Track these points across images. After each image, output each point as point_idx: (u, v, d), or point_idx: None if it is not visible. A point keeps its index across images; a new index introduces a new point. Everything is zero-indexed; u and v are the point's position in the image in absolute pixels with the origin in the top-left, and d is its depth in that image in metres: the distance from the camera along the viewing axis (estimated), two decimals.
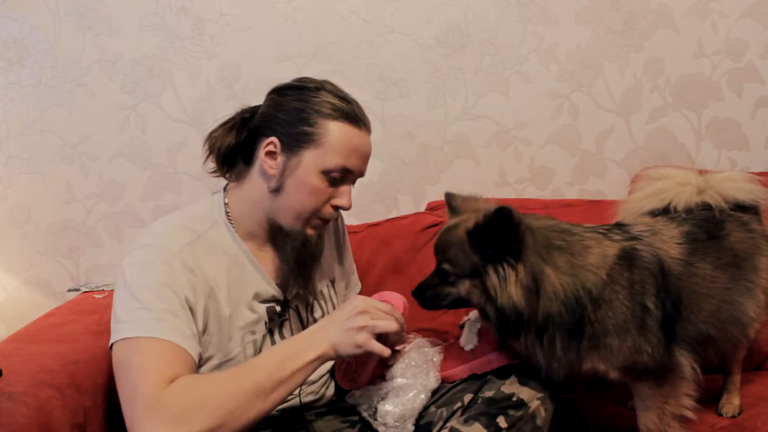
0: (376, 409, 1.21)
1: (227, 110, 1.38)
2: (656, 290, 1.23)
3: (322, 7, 1.98)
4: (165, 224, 1.24)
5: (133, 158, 2.00)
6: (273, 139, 1.21)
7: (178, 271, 1.14)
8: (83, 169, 1.99)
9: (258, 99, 1.41)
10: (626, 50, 2.02)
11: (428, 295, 1.26)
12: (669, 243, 1.29)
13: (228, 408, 1.03)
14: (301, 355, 1.10)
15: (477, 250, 1.18)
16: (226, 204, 1.27)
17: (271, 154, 1.22)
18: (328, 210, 1.24)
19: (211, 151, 1.27)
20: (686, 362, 1.26)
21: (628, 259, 1.23)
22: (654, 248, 1.27)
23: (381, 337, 1.15)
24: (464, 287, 1.21)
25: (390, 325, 1.13)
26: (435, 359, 1.28)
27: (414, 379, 1.22)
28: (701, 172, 1.46)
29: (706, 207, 1.38)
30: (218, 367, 1.21)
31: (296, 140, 1.20)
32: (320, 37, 1.98)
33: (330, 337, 1.12)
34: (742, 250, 1.36)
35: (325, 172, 1.20)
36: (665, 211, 1.39)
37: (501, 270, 1.16)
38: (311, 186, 1.20)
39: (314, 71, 1.97)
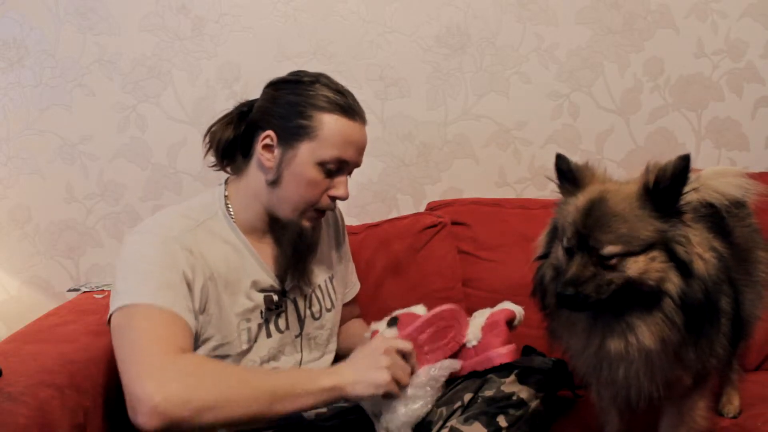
0: (380, 411, 1.20)
1: (227, 110, 1.40)
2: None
3: (322, 7, 1.98)
4: (165, 214, 1.29)
5: (133, 158, 2.00)
6: (269, 132, 1.25)
7: (176, 251, 1.18)
8: (83, 169, 1.99)
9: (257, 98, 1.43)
10: (626, 50, 2.02)
11: (589, 290, 1.05)
12: (713, 240, 1.20)
13: (234, 392, 1.04)
14: (316, 380, 1.11)
15: (659, 212, 1.05)
16: (226, 197, 1.30)
17: (267, 147, 1.25)
18: (325, 201, 1.28)
19: (210, 145, 1.31)
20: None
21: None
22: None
23: None
24: (637, 266, 1.04)
25: (405, 377, 1.15)
26: (454, 370, 1.26)
27: (427, 390, 1.21)
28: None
29: (706, 205, 1.32)
30: (216, 349, 1.23)
31: (292, 133, 1.23)
32: (320, 37, 1.98)
33: (350, 374, 1.12)
34: (744, 245, 1.33)
35: (321, 164, 1.24)
36: None
37: (683, 230, 1.05)
38: (308, 177, 1.24)
39: (314, 71, 1.97)
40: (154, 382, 1.01)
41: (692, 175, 1.33)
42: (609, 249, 1.04)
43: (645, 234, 1.04)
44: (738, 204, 1.35)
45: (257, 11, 1.97)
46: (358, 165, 1.30)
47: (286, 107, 1.24)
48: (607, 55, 2.02)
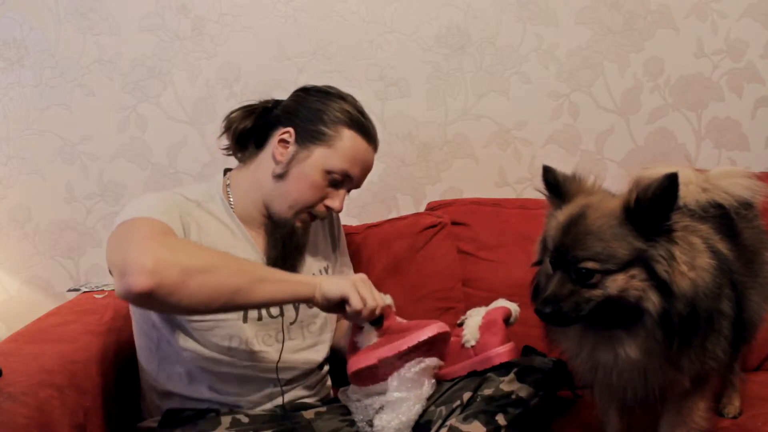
0: (371, 421, 1.20)
1: (227, 110, 1.41)
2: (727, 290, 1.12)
3: (322, 7, 1.98)
4: (164, 192, 1.35)
5: (133, 158, 2.00)
6: (290, 129, 1.32)
7: (174, 205, 1.25)
8: (83, 169, 1.99)
9: (258, 98, 1.44)
10: (626, 50, 2.02)
11: (567, 308, 1.05)
12: (719, 241, 1.17)
13: (220, 262, 1.09)
14: (294, 275, 1.20)
15: (639, 231, 1.03)
16: (227, 185, 1.37)
17: (284, 142, 1.32)
18: (320, 208, 1.34)
19: (227, 129, 1.38)
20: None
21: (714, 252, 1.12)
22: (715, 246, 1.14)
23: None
24: (616, 284, 1.03)
25: (371, 299, 1.16)
26: (433, 365, 1.25)
27: (408, 392, 1.20)
28: (697, 170, 1.38)
29: (715, 206, 1.30)
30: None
31: (311, 135, 1.31)
32: (320, 37, 1.98)
33: (322, 279, 1.18)
34: (753, 246, 1.31)
35: (329, 172, 1.31)
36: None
37: (666, 248, 1.02)
38: (312, 180, 1.30)
39: (314, 71, 1.98)
40: (144, 250, 1.04)
41: (699, 177, 1.33)
42: (584, 266, 1.04)
43: (621, 252, 1.03)
44: (746, 205, 1.33)
45: (257, 11, 1.97)
46: (358, 186, 1.38)
47: (312, 111, 1.32)
48: (607, 55, 2.02)
